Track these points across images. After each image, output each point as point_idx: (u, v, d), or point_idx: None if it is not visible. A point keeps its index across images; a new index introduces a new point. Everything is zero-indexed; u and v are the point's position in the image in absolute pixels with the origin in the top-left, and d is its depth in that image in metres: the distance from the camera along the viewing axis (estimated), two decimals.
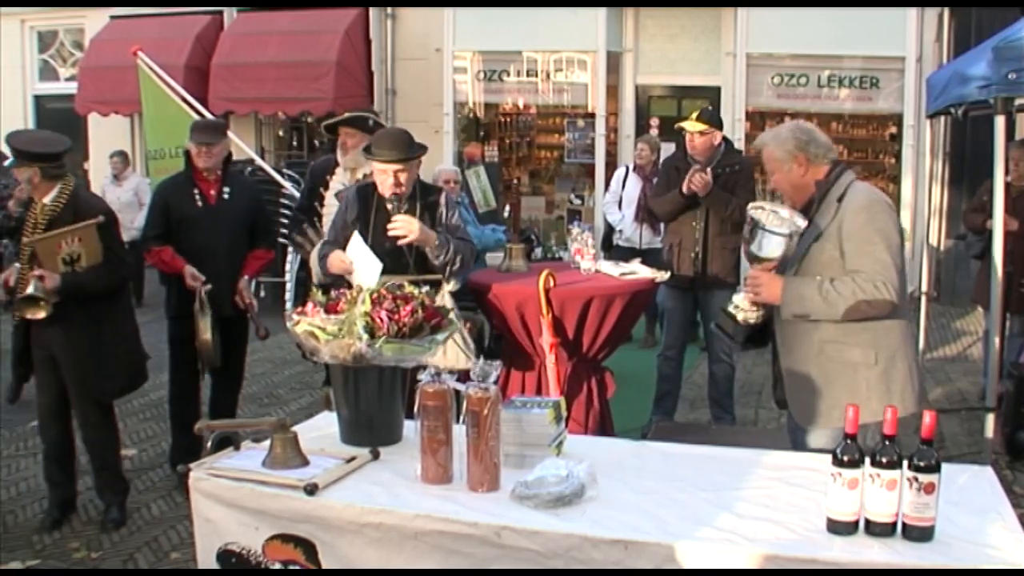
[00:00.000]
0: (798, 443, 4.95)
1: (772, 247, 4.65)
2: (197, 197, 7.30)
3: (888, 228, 4.70)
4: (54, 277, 6.13)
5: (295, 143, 17.98)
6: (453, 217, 6.54)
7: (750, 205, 4.79)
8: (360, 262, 6.16)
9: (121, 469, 6.97)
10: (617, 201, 12.01)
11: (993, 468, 4.10)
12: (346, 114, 7.91)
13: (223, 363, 7.43)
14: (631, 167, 12.12)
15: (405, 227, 6.16)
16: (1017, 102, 7.30)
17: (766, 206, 4.73)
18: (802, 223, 4.65)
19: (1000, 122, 6.84)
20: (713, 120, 8.15)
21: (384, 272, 5.94)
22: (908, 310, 4.94)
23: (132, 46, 11.61)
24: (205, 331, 7.11)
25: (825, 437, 4.73)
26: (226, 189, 7.40)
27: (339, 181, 7.59)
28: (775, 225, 4.63)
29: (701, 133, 8.01)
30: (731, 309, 4.94)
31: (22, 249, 6.27)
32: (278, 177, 12.85)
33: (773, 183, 5.01)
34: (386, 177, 6.20)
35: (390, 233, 6.19)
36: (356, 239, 6.23)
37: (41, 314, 6.18)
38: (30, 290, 6.09)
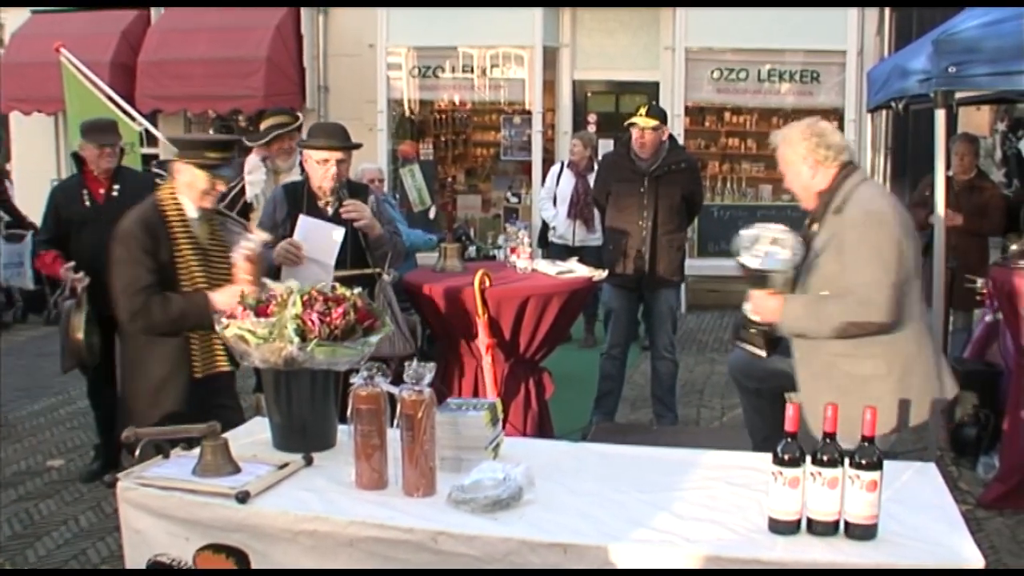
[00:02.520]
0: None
1: (771, 279, 4.89)
2: (86, 197, 7.38)
3: (881, 242, 4.76)
4: None
5: None
6: (384, 214, 6.56)
7: (754, 228, 5.01)
8: (314, 241, 6.14)
9: None
10: (552, 197, 12.06)
11: (938, 465, 4.14)
12: (278, 119, 7.86)
13: None
14: (566, 163, 12.18)
15: (357, 210, 6.17)
16: (958, 95, 7.36)
17: (768, 230, 4.94)
18: (798, 254, 4.89)
19: (940, 116, 6.91)
20: (661, 116, 8.18)
21: None
22: (923, 314, 5.07)
23: (55, 42, 11.47)
24: (77, 329, 7.03)
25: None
26: (116, 187, 7.42)
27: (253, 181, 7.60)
28: (774, 254, 4.86)
29: (653, 129, 8.03)
30: (749, 318, 5.15)
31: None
32: None
33: (785, 183, 5.20)
34: (327, 167, 6.18)
35: (344, 215, 6.18)
36: (304, 220, 6.20)
37: None
38: None
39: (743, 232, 5.01)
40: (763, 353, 5.24)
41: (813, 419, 4.62)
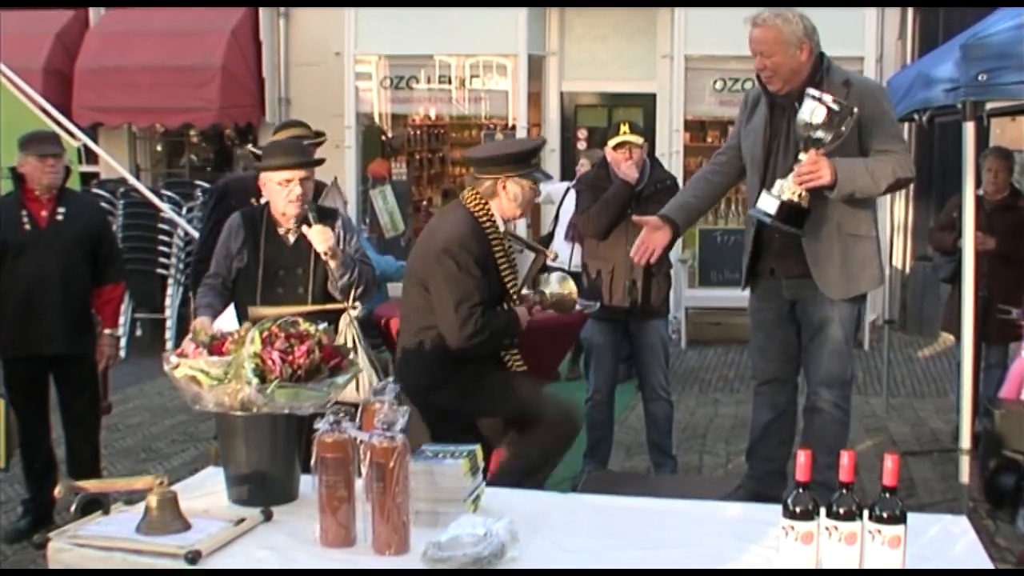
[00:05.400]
0: (814, 317, 6.44)
1: (840, 131, 5.79)
2: (26, 220, 7.29)
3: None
4: None
5: (176, 160, 17.82)
6: (352, 240, 6.56)
7: (809, 91, 5.84)
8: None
9: None
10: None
11: (972, 517, 4.15)
12: (296, 130, 7.84)
13: (69, 408, 7.52)
14: (572, 184, 12.33)
15: (319, 237, 6.19)
16: (989, 106, 7.38)
17: (825, 97, 5.77)
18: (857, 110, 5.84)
19: (969, 129, 6.90)
20: (643, 132, 8.28)
21: (278, 303, 5.97)
22: None
23: None
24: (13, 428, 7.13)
25: (848, 308, 6.39)
26: (61, 209, 7.37)
27: None
28: (844, 111, 5.77)
29: (640, 146, 8.08)
30: (775, 193, 6.00)
31: None
32: (155, 199, 12.73)
33: (769, 64, 6.18)
34: (291, 187, 6.20)
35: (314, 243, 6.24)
36: (231, 313, 6.23)
37: None
38: None
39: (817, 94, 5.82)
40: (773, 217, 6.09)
41: (823, 280, 6.29)
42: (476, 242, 5.85)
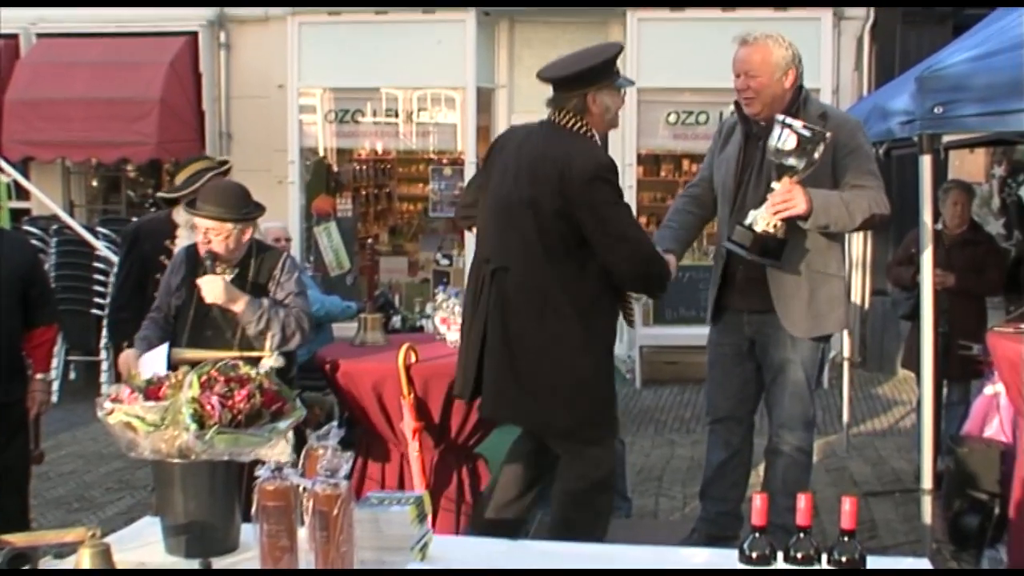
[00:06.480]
0: (776, 358, 6.48)
1: (813, 158, 5.83)
2: None
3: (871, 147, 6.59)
4: None
5: (112, 196, 17.72)
6: (288, 281, 6.53)
7: (777, 117, 5.91)
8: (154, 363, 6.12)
9: None
10: None
11: (935, 559, 4.16)
12: (203, 163, 7.83)
13: None
14: None
15: (206, 288, 6.25)
16: (946, 139, 7.42)
17: (795, 123, 5.82)
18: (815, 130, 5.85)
19: (926, 162, 6.94)
20: None
21: (204, 346, 6.02)
22: None
23: None
24: None
25: (810, 349, 6.44)
26: None
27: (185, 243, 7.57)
28: (815, 136, 5.82)
29: None
30: (748, 223, 6.03)
31: None
32: (90, 237, 12.66)
33: (753, 85, 6.20)
34: (197, 233, 6.32)
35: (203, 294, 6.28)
36: (161, 352, 6.20)
37: None
38: None
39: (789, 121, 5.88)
40: (748, 249, 6.09)
41: (788, 318, 6.33)
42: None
